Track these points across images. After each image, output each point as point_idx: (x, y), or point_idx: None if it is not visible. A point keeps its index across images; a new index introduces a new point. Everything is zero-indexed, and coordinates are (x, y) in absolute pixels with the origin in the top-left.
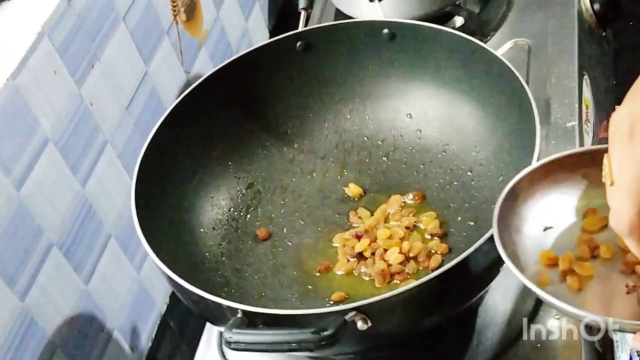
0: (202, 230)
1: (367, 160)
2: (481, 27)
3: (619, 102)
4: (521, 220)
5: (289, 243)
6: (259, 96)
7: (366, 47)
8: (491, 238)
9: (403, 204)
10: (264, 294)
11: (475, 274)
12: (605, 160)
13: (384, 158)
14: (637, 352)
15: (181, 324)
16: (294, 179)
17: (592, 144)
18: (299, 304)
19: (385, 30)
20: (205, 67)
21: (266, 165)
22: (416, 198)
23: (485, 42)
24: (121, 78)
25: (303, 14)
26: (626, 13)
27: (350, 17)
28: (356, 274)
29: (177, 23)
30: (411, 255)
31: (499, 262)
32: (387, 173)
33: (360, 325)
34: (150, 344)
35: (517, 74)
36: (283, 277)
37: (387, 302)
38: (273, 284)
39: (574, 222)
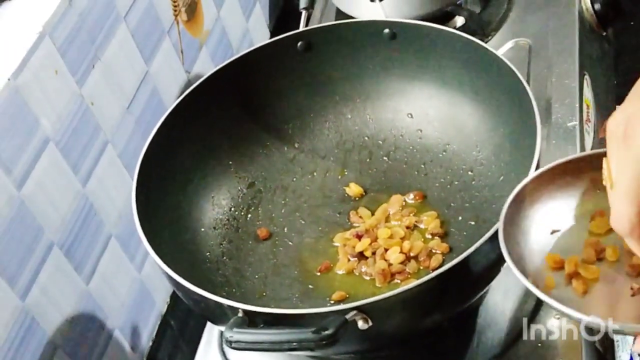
0: (202, 229)
1: (368, 159)
2: (482, 27)
3: (620, 102)
4: (528, 223)
5: (290, 242)
6: (260, 96)
7: (367, 47)
8: (492, 238)
9: (404, 204)
10: (264, 294)
11: (476, 274)
12: (604, 164)
13: (385, 158)
14: (638, 354)
15: (182, 324)
16: (294, 179)
17: (593, 144)
18: (300, 304)
19: (386, 30)
20: (206, 67)
21: (267, 164)
22: (417, 197)
23: (486, 42)
24: (122, 78)
25: (304, 14)
26: (627, 13)
27: (351, 17)
28: (357, 274)
29: (178, 23)
30: (412, 254)
31: (500, 261)
32: (387, 173)
33: (361, 324)
34: (150, 344)
35: (517, 73)
36: (284, 276)
37: (388, 302)
38: (274, 284)
39: (581, 225)
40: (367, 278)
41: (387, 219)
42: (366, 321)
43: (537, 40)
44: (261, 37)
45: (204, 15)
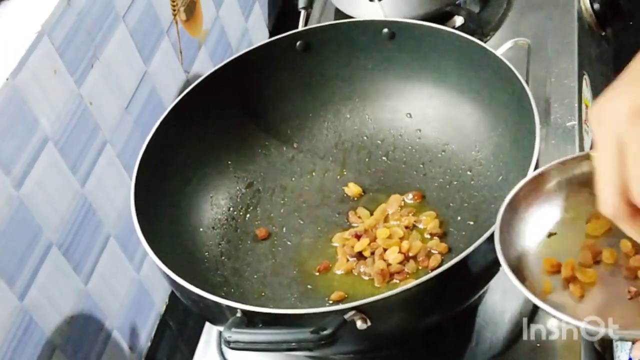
0: (201, 229)
1: (367, 159)
2: (481, 27)
3: None
4: (525, 226)
5: (289, 242)
6: (259, 96)
7: (366, 46)
8: (490, 238)
9: (402, 204)
10: (263, 294)
11: (475, 274)
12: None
13: (384, 158)
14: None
15: (180, 324)
16: (293, 179)
17: (592, 144)
18: (299, 304)
19: (385, 30)
20: (205, 66)
21: (265, 164)
22: (416, 197)
23: (485, 42)
24: (121, 77)
25: (303, 14)
26: (626, 13)
27: (350, 17)
28: (356, 274)
29: (176, 23)
30: (411, 254)
31: (499, 261)
32: (386, 173)
33: (360, 324)
34: (149, 344)
35: (516, 73)
36: (282, 276)
37: (387, 302)
38: (272, 284)
39: (577, 227)
40: (366, 278)
41: (386, 219)
42: (365, 321)
43: (536, 40)
44: (260, 36)
45: (203, 15)
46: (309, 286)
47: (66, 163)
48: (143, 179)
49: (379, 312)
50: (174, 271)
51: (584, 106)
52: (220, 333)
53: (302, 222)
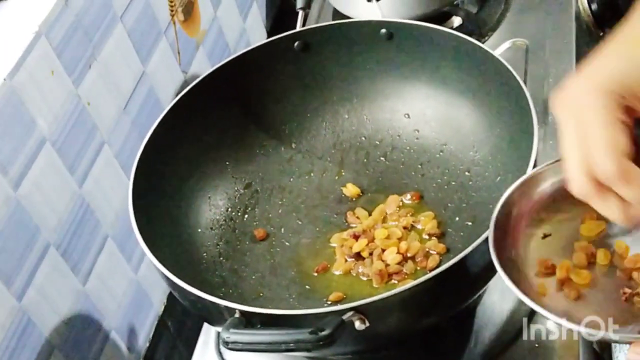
0: (199, 230)
1: (365, 160)
2: (479, 27)
3: None
4: (519, 228)
5: (287, 243)
6: (257, 96)
7: (364, 47)
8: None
9: (401, 204)
10: (261, 294)
11: (473, 274)
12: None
13: (382, 158)
14: None
15: (179, 325)
16: (291, 179)
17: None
18: (297, 304)
19: (383, 30)
20: (203, 67)
21: (264, 165)
22: (414, 198)
23: (483, 42)
24: (118, 78)
25: (301, 14)
26: (624, 13)
27: (348, 17)
28: (354, 274)
29: (174, 23)
30: (409, 255)
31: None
32: (385, 173)
33: (358, 325)
34: (147, 345)
35: (514, 74)
36: (281, 277)
37: (385, 302)
38: (271, 284)
39: (572, 228)
40: (364, 279)
41: (384, 220)
42: (363, 322)
43: (534, 40)
44: (258, 37)
45: (201, 15)
46: (307, 287)
47: (64, 163)
48: (141, 180)
49: (377, 312)
50: (172, 272)
51: None
52: (218, 334)
53: (300, 222)
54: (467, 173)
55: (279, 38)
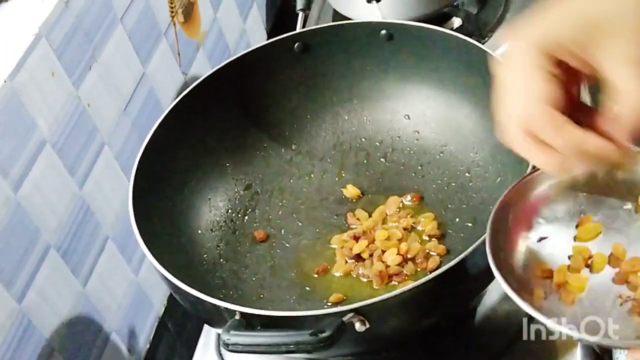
0: (199, 232)
1: (365, 161)
2: (479, 28)
3: None
4: (516, 231)
5: (287, 244)
6: (257, 98)
7: (364, 48)
8: None
9: (401, 205)
10: (261, 296)
11: (474, 276)
12: None
13: (382, 159)
14: None
15: (179, 326)
16: (291, 181)
17: None
18: (297, 306)
19: (383, 32)
20: (203, 68)
21: (264, 166)
22: (414, 199)
23: (483, 43)
24: (119, 79)
25: (301, 15)
26: None
27: (348, 18)
28: (354, 276)
29: (174, 24)
30: (409, 256)
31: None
32: (385, 174)
33: (358, 326)
34: (147, 346)
35: None
36: (281, 278)
37: (385, 304)
38: (271, 286)
39: (568, 231)
40: (365, 280)
41: (385, 221)
42: (363, 323)
43: None
44: (258, 38)
45: (201, 17)
46: (307, 288)
47: (64, 165)
48: (141, 181)
49: (377, 314)
50: (172, 273)
51: None
52: (218, 335)
53: (300, 224)
54: (467, 174)
55: (279, 39)
